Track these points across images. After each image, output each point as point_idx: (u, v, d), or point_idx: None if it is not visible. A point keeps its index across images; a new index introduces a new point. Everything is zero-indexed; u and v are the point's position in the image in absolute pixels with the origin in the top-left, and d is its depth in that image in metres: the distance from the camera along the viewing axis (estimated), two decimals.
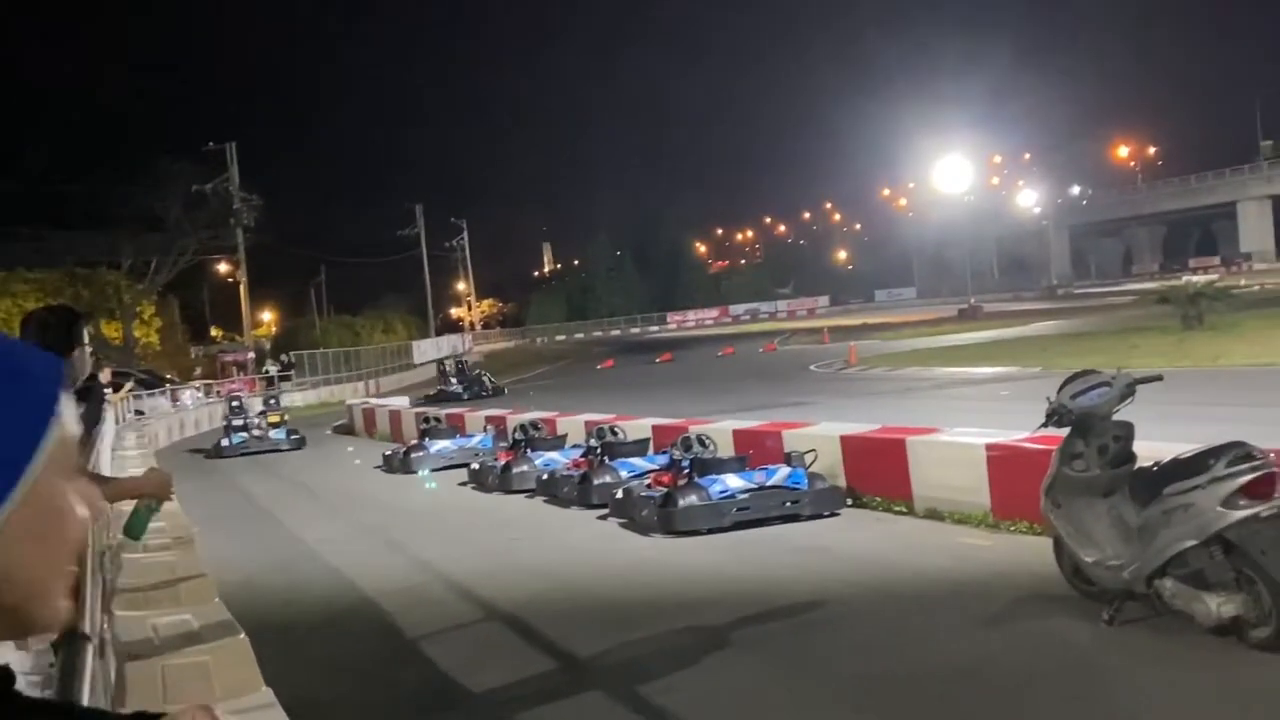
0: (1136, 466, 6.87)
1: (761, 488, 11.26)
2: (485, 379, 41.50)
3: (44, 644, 2.87)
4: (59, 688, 1.77)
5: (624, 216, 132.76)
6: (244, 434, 27.28)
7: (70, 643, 1.96)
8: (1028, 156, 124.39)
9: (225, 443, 27.21)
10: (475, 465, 16.99)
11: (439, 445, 19.45)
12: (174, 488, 4.50)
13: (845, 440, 12.22)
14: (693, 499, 11.05)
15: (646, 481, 12.51)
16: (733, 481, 11.27)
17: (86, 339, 4.39)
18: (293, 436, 27.57)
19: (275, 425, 27.87)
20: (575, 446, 15.90)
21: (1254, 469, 6.02)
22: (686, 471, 11.80)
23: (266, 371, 52.32)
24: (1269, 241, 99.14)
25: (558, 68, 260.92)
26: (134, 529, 4.41)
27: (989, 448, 10.26)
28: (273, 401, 30.50)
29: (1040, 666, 6.32)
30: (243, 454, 26.33)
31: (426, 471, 18.13)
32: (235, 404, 29.27)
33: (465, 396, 38.88)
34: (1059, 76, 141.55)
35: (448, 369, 43.93)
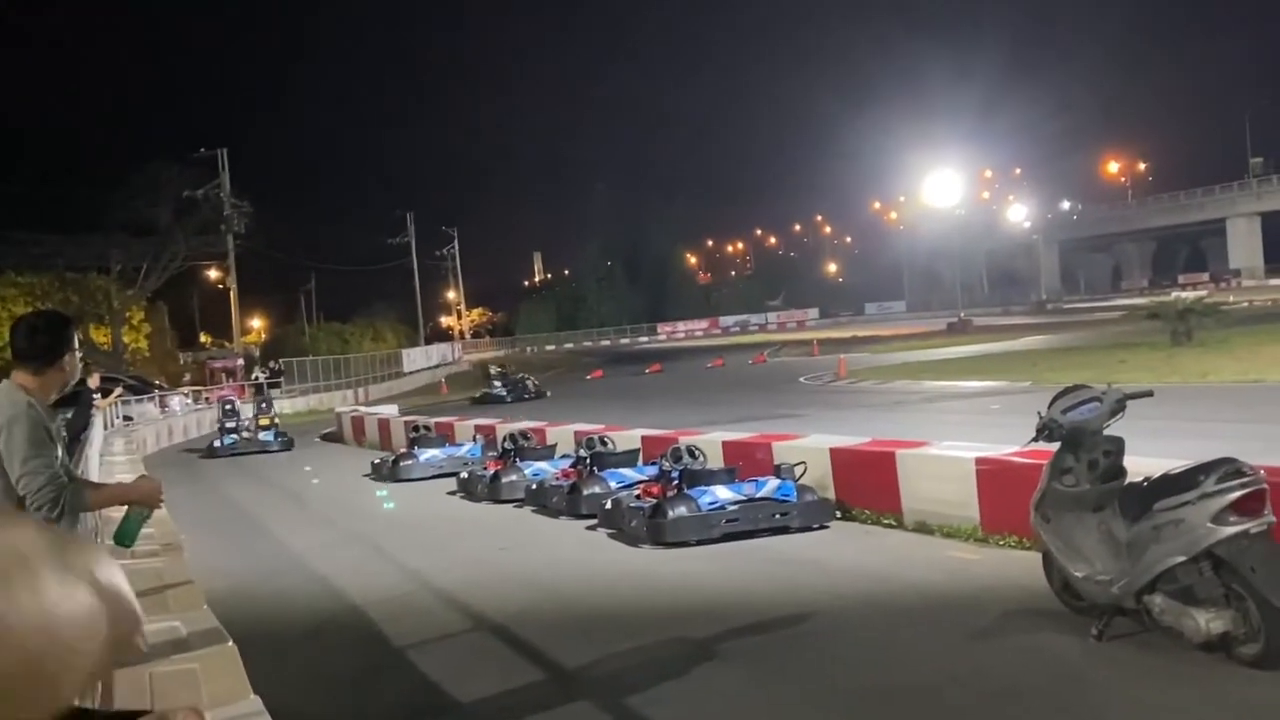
0: (1126, 482, 6.87)
1: (751, 499, 11.24)
2: (529, 382, 43.02)
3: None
4: None
5: (615, 227, 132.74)
6: (234, 435, 28.90)
7: None
8: (1018, 171, 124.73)
9: (217, 444, 28.93)
10: (464, 474, 16.97)
11: (428, 454, 19.40)
12: (163, 495, 4.49)
13: (835, 453, 12.22)
14: (682, 510, 11.03)
15: (636, 492, 12.49)
16: (722, 493, 11.25)
17: (76, 344, 4.38)
18: (280, 439, 28.98)
19: (265, 428, 29.59)
20: (565, 456, 15.90)
21: (1244, 485, 6.02)
22: (676, 482, 11.78)
23: (256, 379, 52.27)
24: (1258, 258, 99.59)
25: (549, 77, 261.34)
26: (124, 537, 4.39)
27: (979, 462, 10.27)
28: (264, 405, 32.15)
29: (1028, 681, 6.32)
30: (233, 454, 27.78)
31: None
32: (228, 407, 30.85)
33: (509, 399, 40.44)
34: (1050, 91, 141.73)
35: (493, 373, 45.51)
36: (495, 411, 33.06)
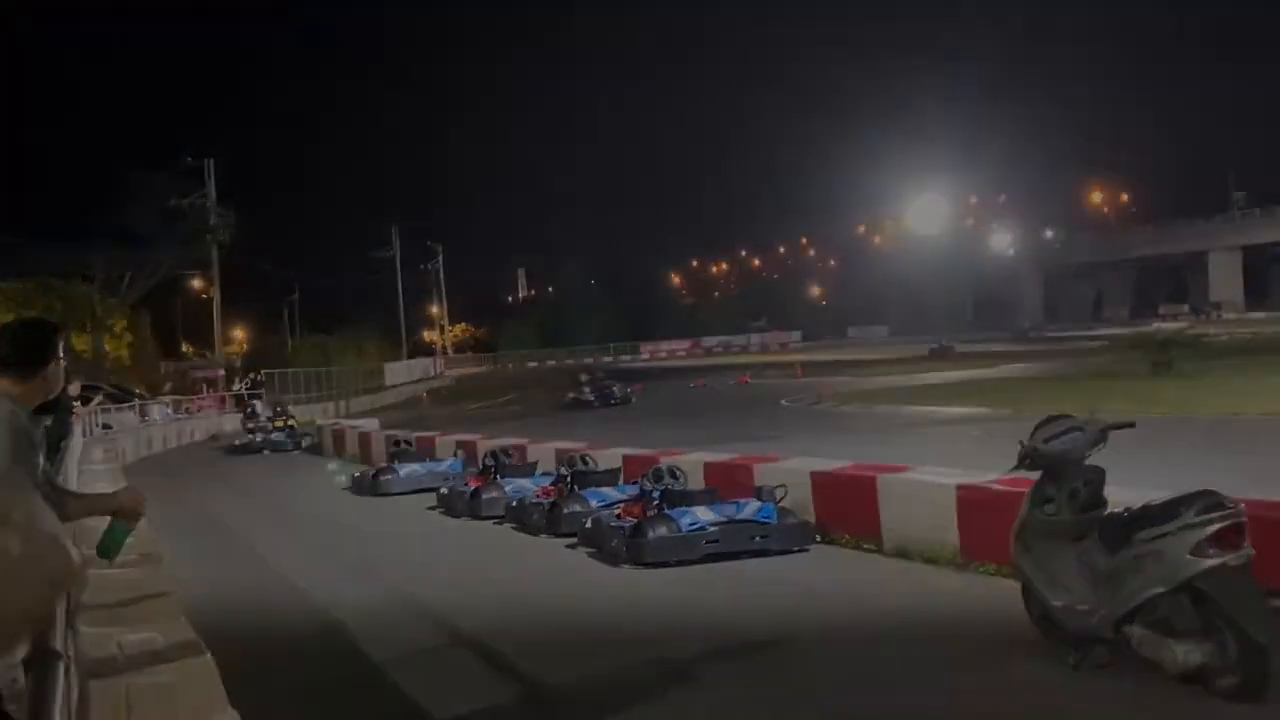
0: (1107, 512, 6.89)
1: (731, 521, 11.23)
2: (614, 389, 45.75)
3: (14, 658, 2.83)
4: (31, 707, 1.75)
5: (599, 245, 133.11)
6: (251, 435, 33.71)
7: (42, 660, 1.94)
8: (1003, 198, 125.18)
9: (239, 441, 34.06)
10: (444, 490, 16.92)
11: (408, 468, 19.34)
12: (145, 507, 4.46)
13: (816, 476, 12.22)
14: (662, 530, 11.02)
15: (616, 511, 12.46)
16: (703, 514, 11.24)
17: (62, 352, 4.35)
18: (291, 439, 33.25)
19: (279, 429, 33.96)
20: (545, 474, 15.86)
21: (1224, 518, 6.03)
22: (656, 503, 11.77)
23: (237, 390, 52.11)
24: (1238, 291, 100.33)
25: (537, 94, 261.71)
26: (108, 549, 4.34)
27: (959, 488, 10.27)
28: (279, 409, 36.83)
29: (1006, 709, 6.32)
30: (249, 451, 32.36)
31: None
32: (250, 409, 36.54)
33: (596, 405, 43.45)
34: (1036, 120, 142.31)
35: (582, 380, 48.44)
36: (582, 416, 37.33)
